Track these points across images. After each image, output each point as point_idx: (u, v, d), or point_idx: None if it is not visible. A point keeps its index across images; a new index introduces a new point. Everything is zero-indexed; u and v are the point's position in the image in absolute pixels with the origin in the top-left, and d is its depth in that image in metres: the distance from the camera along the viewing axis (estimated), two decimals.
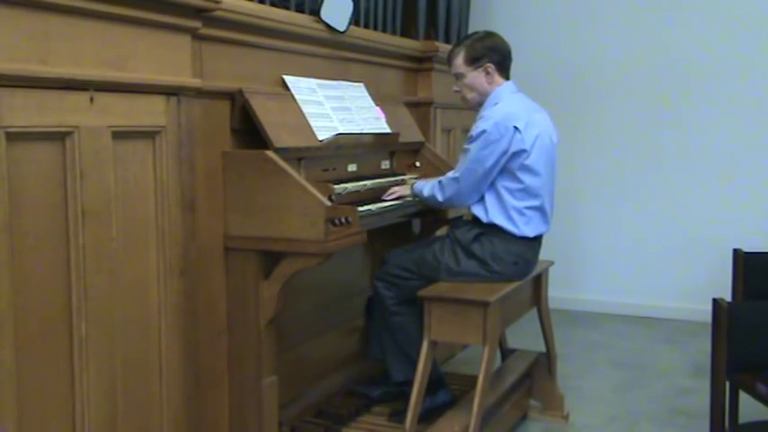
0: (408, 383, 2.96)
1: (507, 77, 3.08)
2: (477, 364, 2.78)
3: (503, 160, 2.90)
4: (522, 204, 2.94)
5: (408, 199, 3.16)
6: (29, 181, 1.82)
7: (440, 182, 3.03)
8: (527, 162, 2.91)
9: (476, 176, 2.92)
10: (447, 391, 3.09)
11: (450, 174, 3.01)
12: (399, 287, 2.98)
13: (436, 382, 3.01)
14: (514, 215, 2.93)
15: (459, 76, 3.09)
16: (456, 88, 3.13)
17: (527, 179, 2.92)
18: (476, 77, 3.04)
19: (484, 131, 2.90)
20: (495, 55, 3.03)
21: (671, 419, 3.44)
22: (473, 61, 3.03)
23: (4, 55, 1.73)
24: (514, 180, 2.93)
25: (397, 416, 3.00)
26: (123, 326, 2.11)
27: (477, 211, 2.98)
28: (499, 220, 2.94)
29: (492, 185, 2.95)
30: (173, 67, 2.23)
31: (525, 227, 2.95)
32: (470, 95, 3.09)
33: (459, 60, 3.06)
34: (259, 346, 2.54)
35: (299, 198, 2.43)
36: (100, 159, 1.99)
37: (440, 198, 3.02)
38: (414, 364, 2.88)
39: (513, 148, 2.88)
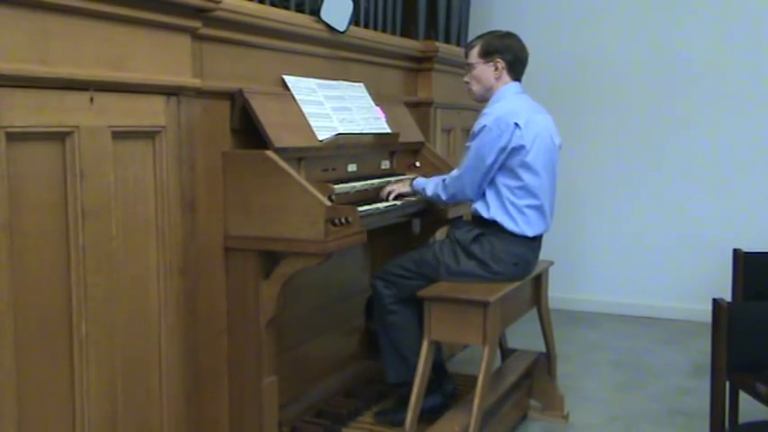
0: (403, 385, 2.96)
1: (517, 80, 3.09)
2: (477, 364, 2.78)
3: (502, 157, 2.91)
4: (521, 203, 2.94)
5: (410, 198, 3.16)
6: (29, 181, 1.82)
7: (443, 180, 3.04)
8: (527, 159, 2.91)
9: (477, 173, 2.94)
10: (442, 392, 3.09)
11: (454, 172, 3.03)
12: (398, 286, 2.97)
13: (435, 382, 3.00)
14: (514, 213, 2.94)
15: (469, 67, 3.11)
16: (466, 78, 3.15)
17: (526, 177, 2.93)
18: (484, 71, 3.07)
19: (484, 127, 2.92)
20: (509, 54, 3.05)
21: (671, 419, 3.44)
22: (486, 54, 3.06)
23: (4, 55, 1.73)
24: (514, 177, 2.93)
25: (383, 415, 3.00)
26: (123, 326, 2.11)
27: (480, 207, 2.98)
28: (500, 217, 2.94)
29: (492, 182, 2.96)
30: (172, 67, 2.23)
31: (525, 225, 2.96)
32: (475, 87, 3.12)
33: (474, 51, 3.09)
34: (259, 346, 2.54)
35: (299, 198, 2.43)
36: (100, 159, 1.99)
37: (444, 197, 3.04)
38: (409, 365, 2.88)
39: (513, 144, 2.90)
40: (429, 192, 3.08)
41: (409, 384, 2.91)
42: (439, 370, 3.13)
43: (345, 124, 3.02)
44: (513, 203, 2.94)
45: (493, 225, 2.96)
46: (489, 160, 2.91)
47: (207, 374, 2.51)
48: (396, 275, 2.99)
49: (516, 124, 2.90)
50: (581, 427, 3.36)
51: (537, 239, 3.06)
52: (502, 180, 2.95)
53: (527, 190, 2.94)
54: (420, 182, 3.14)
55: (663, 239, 5.15)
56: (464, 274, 2.94)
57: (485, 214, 2.97)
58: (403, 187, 3.17)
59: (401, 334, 2.97)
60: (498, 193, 2.95)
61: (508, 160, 2.92)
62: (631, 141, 5.22)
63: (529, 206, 2.96)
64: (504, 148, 2.90)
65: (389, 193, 3.13)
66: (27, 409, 1.83)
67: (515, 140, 2.90)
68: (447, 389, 3.18)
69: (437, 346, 3.07)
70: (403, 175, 3.40)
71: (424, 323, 2.82)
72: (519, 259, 2.98)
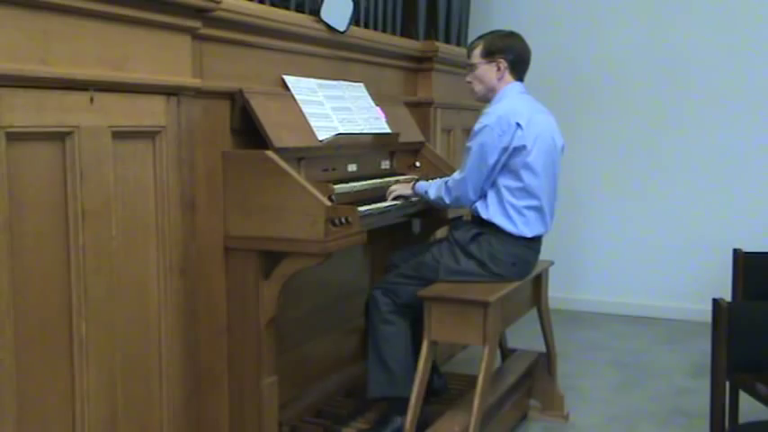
0: (385, 401, 2.95)
1: (519, 80, 3.09)
2: (477, 364, 2.78)
3: (504, 157, 2.91)
4: (521, 203, 2.94)
5: (412, 199, 3.16)
6: (29, 181, 1.82)
7: (446, 183, 3.04)
8: (528, 160, 2.91)
9: (480, 174, 2.93)
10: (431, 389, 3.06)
11: (456, 175, 3.02)
12: (396, 293, 2.95)
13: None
14: (513, 214, 2.94)
15: (472, 67, 3.11)
16: (468, 79, 3.15)
17: (527, 178, 2.92)
18: (486, 71, 3.06)
19: (486, 126, 2.92)
20: (511, 54, 3.05)
21: (671, 419, 3.44)
22: (488, 54, 3.06)
23: (4, 55, 1.74)
24: (515, 178, 2.93)
25: None
26: (123, 326, 2.11)
27: (480, 206, 2.98)
28: (498, 218, 2.94)
29: (494, 184, 2.96)
30: (173, 67, 2.23)
31: (524, 226, 2.95)
32: (478, 87, 3.11)
33: (477, 51, 3.09)
34: (259, 346, 2.54)
35: (299, 198, 2.43)
36: (100, 159, 1.99)
37: (447, 200, 3.04)
38: (394, 380, 2.87)
39: (515, 144, 2.89)
40: (432, 195, 3.08)
41: (390, 401, 2.93)
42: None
43: (345, 124, 3.02)
44: (512, 205, 2.93)
45: (491, 225, 2.96)
46: (492, 160, 2.90)
47: (207, 374, 2.51)
48: (393, 283, 2.98)
49: (518, 124, 2.89)
50: (581, 427, 3.36)
51: (536, 240, 3.05)
52: (503, 181, 2.94)
53: (527, 191, 2.94)
54: (422, 185, 3.13)
55: (663, 239, 5.15)
56: (464, 273, 2.94)
57: (483, 214, 2.97)
58: (405, 189, 3.16)
59: (392, 347, 2.93)
60: (499, 194, 2.95)
61: (510, 160, 2.91)
62: (631, 141, 5.22)
63: (528, 207, 2.95)
64: (506, 148, 2.89)
65: (389, 194, 3.13)
66: (27, 409, 1.83)
67: (517, 140, 2.89)
68: (437, 384, 3.19)
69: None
70: (403, 175, 3.40)
71: (423, 324, 2.82)
72: (517, 259, 2.98)
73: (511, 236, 2.95)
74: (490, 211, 2.96)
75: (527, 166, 2.92)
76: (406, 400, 2.84)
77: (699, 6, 5.00)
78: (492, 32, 3.14)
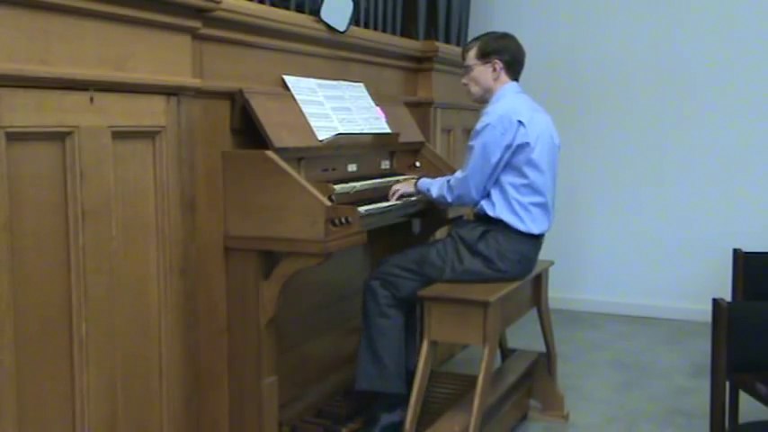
0: (372, 395, 2.94)
1: (515, 80, 3.11)
2: (477, 364, 2.78)
3: (507, 155, 2.92)
4: (526, 200, 2.95)
5: (413, 198, 3.16)
6: (29, 181, 1.82)
7: (448, 182, 3.04)
8: (532, 156, 2.92)
9: (483, 173, 2.94)
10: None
11: (459, 173, 3.02)
12: (396, 286, 2.94)
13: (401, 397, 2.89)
14: (520, 211, 2.94)
15: (468, 69, 3.12)
16: (464, 81, 3.16)
17: (531, 175, 2.94)
18: (482, 72, 3.08)
19: (488, 125, 2.93)
20: (506, 55, 3.07)
21: (671, 419, 3.44)
22: (483, 56, 3.07)
23: (4, 55, 1.74)
24: (519, 175, 2.94)
25: None
26: (123, 326, 2.11)
27: (485, 205, 2.98)
28: (506, 216, 2.95)
29: (497, 182, 2.96)
30: (173, 67, 2.23)
31: (531, 223, 2.96)
32: (475, 89, 3.13)
33: (472, 53, 3.11)
34: (259, 346, 2.54)
35: (299, 198, 2.43)
36: (100, 159, 1.99)
37: (449, 199, 3.03)
38: (385, 374, 2.86)
39: (518, 141, 2.91)
40: (434, 193, 3.08)
41: (378, 396, 2.91)
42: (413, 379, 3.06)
43: (345, 124, 3.02)
44: (518, 202, 2.94)
45: (499, 223, 2.96)
46: (494, 159, 2.91)
47: (207, 374, 2.51)
48: (394, 276, 2.97)
49: (520, 122, 2.91)
50: (581, 427, 3.36)
51: (540, 238, 3.06)
52: (507, 179, 2.95)
53: (532, 188, 2.95)
54: (424, 182, 3.13)
55: (663, 239, 5.15)
56: (469, 273, 2.94)
57: (490, 213, 2.97)
58: (408, 187, 3.16)
59: (387, 341, 2.91)
60: (504, 192, 2.95)
61: (513, 158, 2.93)
62: (631, 141, 5.22)
63: (533, 203, 2.96)
64: (509, 146, 2.91)
65: (393, 194, 3.13)
66: (27, 409, 1.83)
67: (520, 138, 2.91)
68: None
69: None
70: (403, 174, 3.40)
71: (423, 323, 2.82)
72: (522, 257, 2.99)
73: (519, 233, 2.96)
74: (497, 208, 2.96)
75: (531, 163, 2.93)
76: (393, 397, 2.85)
77: (698, 7, 5.00)
78: (486, 34, 3.16)
